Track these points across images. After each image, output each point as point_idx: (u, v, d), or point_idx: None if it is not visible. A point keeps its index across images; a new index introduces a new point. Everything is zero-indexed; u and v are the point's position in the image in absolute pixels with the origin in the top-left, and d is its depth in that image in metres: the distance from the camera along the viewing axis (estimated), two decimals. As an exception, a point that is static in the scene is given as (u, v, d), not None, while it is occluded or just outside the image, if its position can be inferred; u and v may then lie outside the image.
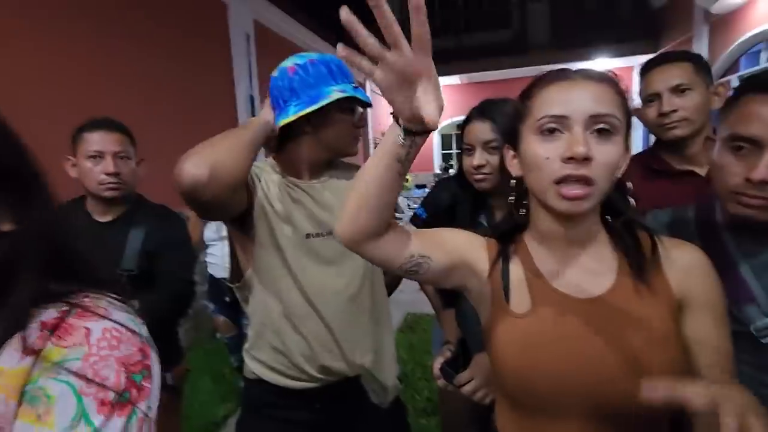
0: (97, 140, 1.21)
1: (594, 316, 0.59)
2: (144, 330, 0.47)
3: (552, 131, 0.57)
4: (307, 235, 0.95)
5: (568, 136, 0.56)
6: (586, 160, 0.54)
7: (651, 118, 1.14)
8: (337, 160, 1.06)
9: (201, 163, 0.76)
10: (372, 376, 1.01)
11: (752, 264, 0.70)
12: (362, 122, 1.01)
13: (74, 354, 0.40)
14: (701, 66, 1.10)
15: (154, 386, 0.45)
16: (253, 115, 4.66)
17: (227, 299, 2.08)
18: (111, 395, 0.40)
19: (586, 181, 0.55)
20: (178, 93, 3.21)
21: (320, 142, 0.96)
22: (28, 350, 0.39)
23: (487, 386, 0.96)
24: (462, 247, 0.68)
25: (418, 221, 1.33)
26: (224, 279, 2.14)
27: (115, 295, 0.47)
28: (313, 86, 0.91)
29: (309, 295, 0.95)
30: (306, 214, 0.96)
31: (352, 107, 0.98)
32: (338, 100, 0.90)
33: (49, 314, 0.42)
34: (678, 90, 1.08)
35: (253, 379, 1.01)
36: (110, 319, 0.44)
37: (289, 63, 0.93)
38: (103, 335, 0.42)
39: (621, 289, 0.61)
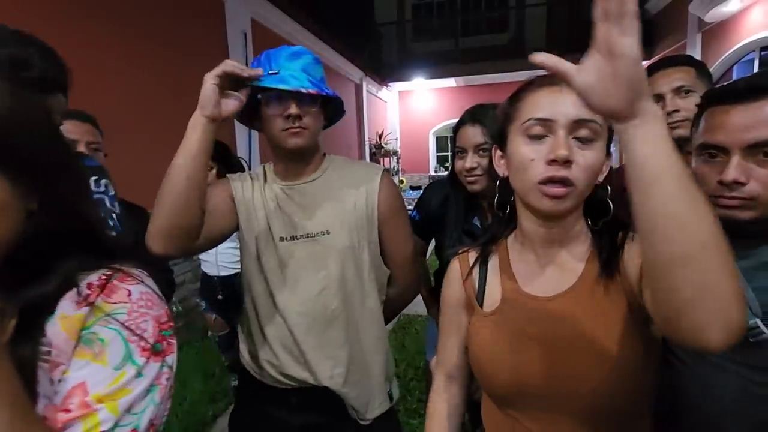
0: (71, 129, 1.21)
1: (555, 313, 0.62)
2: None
3: (538, 134, 0.60)
4: (281, 239, 0.93)
5: (552, 139, 0.59)
6: (567, 162, 0.57)
7: None
8: (337, 156, 1.04)
9: (158, 241, 0.81)
10: (341, 391, 0.94)
11: (741, 266, 0.71)
12: (293, 110, 0.87)
13: (120, 309, 0.48)
14: (703, 71, 1.13)
15: (175, 345, 0.53)
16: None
17: (219, 297, 2.07)
18: (149, 345, 0.48)
19: (566, 182, 0.57)
20: (173, 89, 3.19)
21: (268, 138, 0.94)
22: (83, 301, 0.47)
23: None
24: (464, 316, 0.75)
25: (412, 223, 1.33)
26: (216, 277, 2.13)
27: (139, 268, 0.54)
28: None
29: (277, 301, 0.93)
30: (283, 216, 0.94)
31: (277, 96, 0.88)
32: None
33: (92, 278, 0.49)
34: (681, 91, 1.10)
35: (244, 369, 1.04)
36: (144, 284, 0.52)
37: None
38: (141, 296, 0.50)
39: (584, 284, 0.63)
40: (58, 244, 0.48)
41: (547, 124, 0.59)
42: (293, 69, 0.87)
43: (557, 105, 0.59)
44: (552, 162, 0.57)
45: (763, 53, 4.59)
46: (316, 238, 0.93)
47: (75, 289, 0.47)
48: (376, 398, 0.99)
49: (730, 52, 4.83)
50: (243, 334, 1.02)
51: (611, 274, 0.61)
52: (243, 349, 1.02)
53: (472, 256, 0.74)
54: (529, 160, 0.60)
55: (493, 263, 0.72)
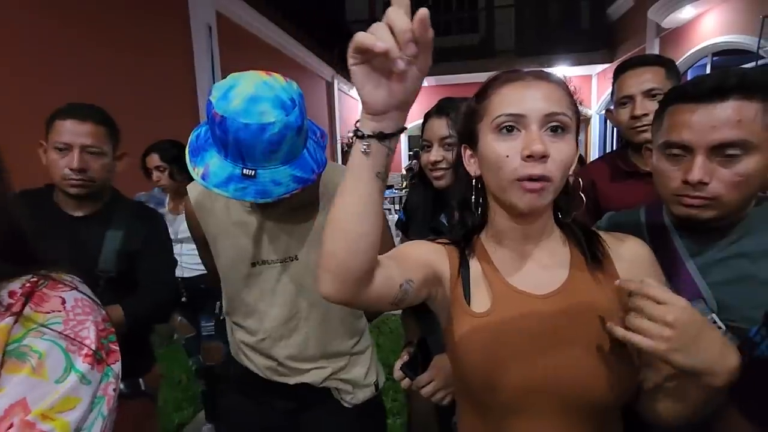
0: (66, 130, 1.07)
1: (552, 311, 0.61)
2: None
3: (510, 129, 0.59)
4: (253, 264, 0.91)
5: (525, 135, 0.58)
6: (543, 157, 0.56)
7: (623, 120, 1.17)
8: None
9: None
10: (328, 386, 0.97)
11: (698, 262, 0.73)
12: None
13: (55, 318, 0.45)
14: (672, 71, 1.14)
15: (119, 352, 0.50)
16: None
17: (183, 299, 1.99)
18: (91, 351, 0.46)
19: (543, 178, 0.57)
20: (136, 83, 3.04)
21: None
22: (5, 312, 0.43)
23: (446, 388, 0.90)
24: (429, 259, 0.66)
25: (399, 224, 1.37)
26: (180, 278, 2.04)
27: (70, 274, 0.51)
28: (204, 148, 0.77)
29: (251, 330, 0.94)
30: (250, 239, 0.90)
31: None
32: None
33: (15, 285, 0.45)
34: (650, 94, 1.11)
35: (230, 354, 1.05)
36: (78, 290, 0.49)
37: (216, 105, 0.75)
38: (76, 303, 0.47)
39: (575, 281, 0.63)
40: None
41: (518, 119, 0.58)
42: (273, 165, 0.73)
43: (527, 99, 0.58)
44: (528, 158, 0.56)
45: (714, 58, 4.84)
46: (284, 264, 0.90)
47: None
48: (361, 389, 1.00)
49: (685, 56, 5.06)
50: (229, 335, 1.03)
51: (600, 271, 0.63)
52: (230, 341, 1.03)
53: (452, 254, 0.70)
54: (503, 156, 0.58)
55: (473, 262, 0.68)
